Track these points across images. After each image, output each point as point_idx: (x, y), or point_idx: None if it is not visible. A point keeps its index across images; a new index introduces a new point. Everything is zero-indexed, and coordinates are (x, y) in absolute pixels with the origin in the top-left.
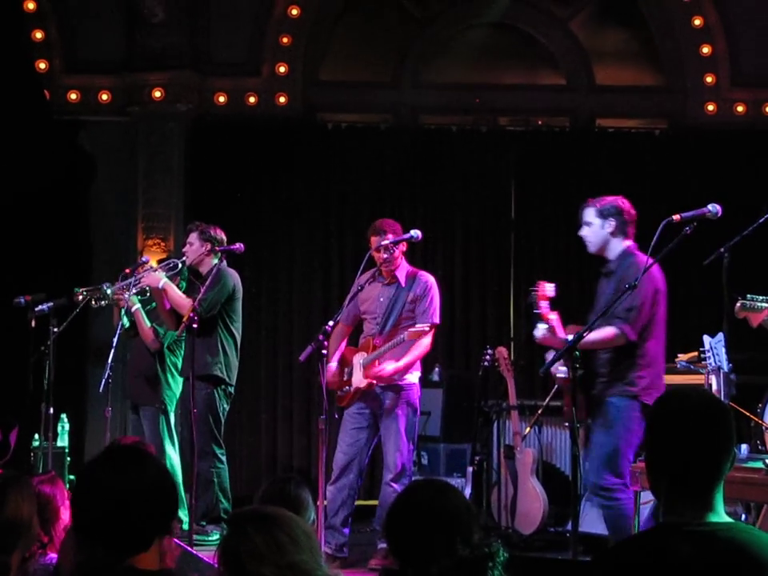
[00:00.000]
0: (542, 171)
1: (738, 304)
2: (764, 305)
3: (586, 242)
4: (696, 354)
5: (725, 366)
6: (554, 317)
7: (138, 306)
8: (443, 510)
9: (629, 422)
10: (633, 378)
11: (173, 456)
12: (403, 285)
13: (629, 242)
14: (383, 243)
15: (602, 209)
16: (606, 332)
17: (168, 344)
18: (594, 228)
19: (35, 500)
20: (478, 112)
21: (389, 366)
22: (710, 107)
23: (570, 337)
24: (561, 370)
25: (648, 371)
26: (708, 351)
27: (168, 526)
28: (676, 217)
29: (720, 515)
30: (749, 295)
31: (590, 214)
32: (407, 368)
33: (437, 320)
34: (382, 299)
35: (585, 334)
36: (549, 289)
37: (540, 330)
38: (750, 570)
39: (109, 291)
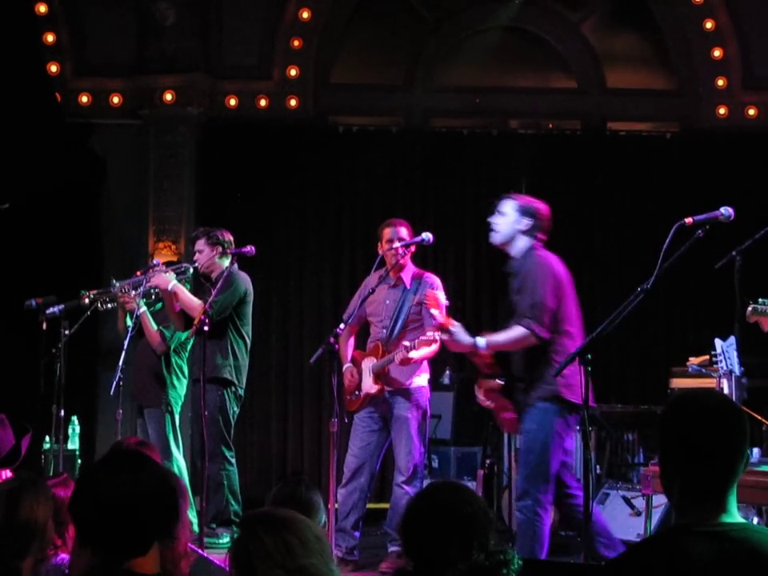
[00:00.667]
0: (553, 174)
1: (750, 308)
2: None
3: (494, 230)
4: (708, 357)
5: (736, 370)
6: (455, 323)
7: (144, 309)
8: (462, 513)
9: (554, 425)
10: (551, 377)
11: (178, 458)
12: (408, 287)
13: (535, 242)
14: (395, 246)
15: (523, 206)
16: (515, 332)
17: (174, 346)
18: (508, 219)
19: (51, 503)
20: (488, 115)
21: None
22: (722, 110)
23: (480, 339)
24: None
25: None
26: (720, 355)
27: (169, 531)
28: (688, 220)
29: (733, 516)
30: (761, 299)
31: (508, 205)
32: (425, 358)
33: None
34: (388, 302)
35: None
36: (440, 297)
37: (444, 336)
38: (763, 570)
39: (117, 285)
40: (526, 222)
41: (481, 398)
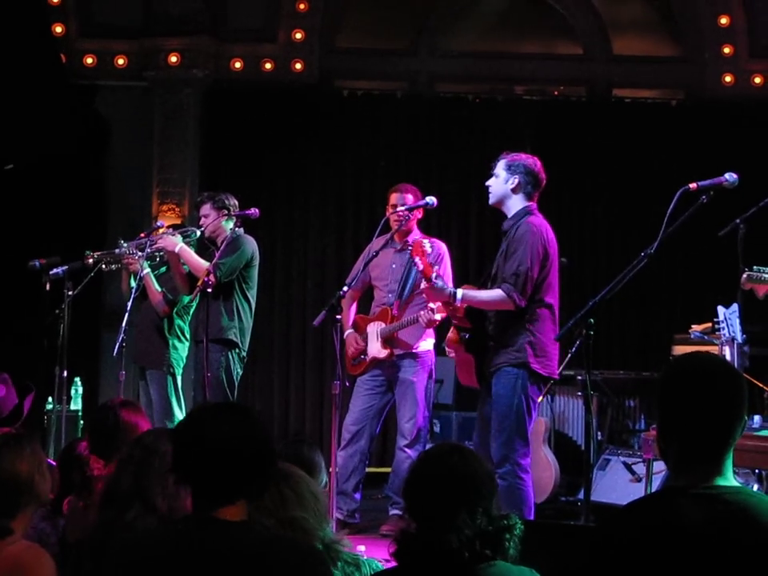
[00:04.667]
0: (559, 141)
1: (745, 275)
2: None
3: (489, 192)
4: (710, 324)
5: (739, 338)
6: (434, 272)
7: (148, 270)
8: (468, 475)
9: (524, 392)
10: (522, 345)
11: (181, 419)
12: None
13: (529, 203)
14: (399, 210)
15: (510, 163)
16: (493, 294)
17: (177, 309)
18: (499, 180)
19: (36, 458)
20: (494, 81)
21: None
22: (728, 78)
23: (458, 291)
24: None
25: (538, 338)
26: (722, 322)
27: (261, 489)
28: (693, 185)
29: (728, 479)
30: (755, 267)
31: (499, 165)
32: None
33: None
34: (394, 266)
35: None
36: (426, 246)
37: (422, 286)
38: (757, 532)
39: (125, 245)
40: (514, 180)
41: (447, 348)
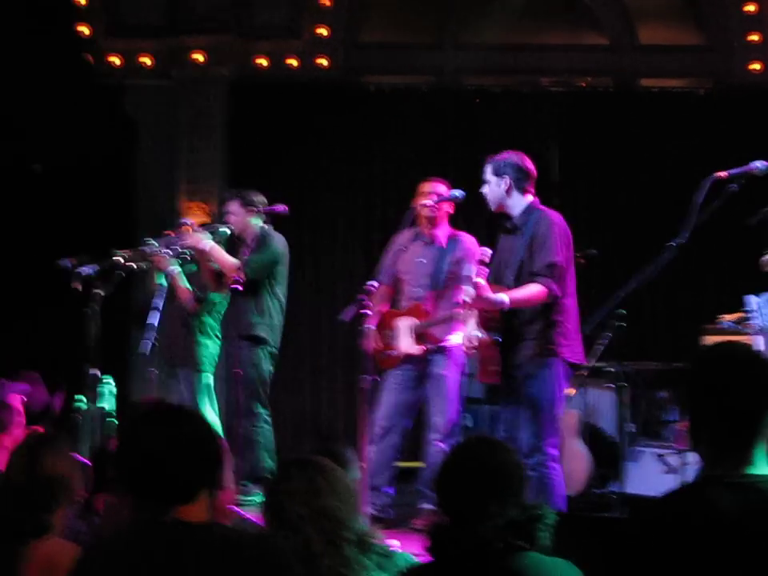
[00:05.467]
0: (586, 132)
1: (765, 257)
2: None
3: (487, 201)
4: (740, 314)
5: None
6: (482, 281)
7: (177, 268)
8: (499, 468)
9: (556, 381)
10: (551, 335)
11: (211, 418)
12: (444, 246)
13: (530, 198)
14: (426, 202)
15: (496, 165)
16: (533, 289)
17: (207, 307)
18: (491, 186)
19: (74, 458)
20: (520, 73)
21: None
22: (755, 66)
23: (504, 296)
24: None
25: (567, 327)
26: (754, 311)
27: (213, 479)
28: (723, 173)
29: (760, 468)
30: None
31: (487, 171)
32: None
33: None
34: (424, 260)
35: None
36: (487, 254)
37: (469, 293)
38: None
39: (154, 244)
40: (505, 181)
41: (467, 345)
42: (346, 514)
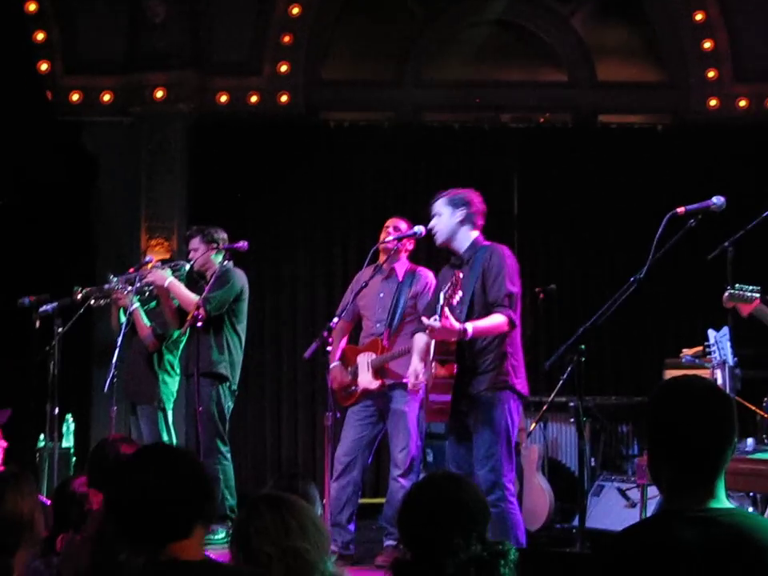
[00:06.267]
0: (545, 168)
1: (726, 294)
2: (754, 294)
3: (435, 232)
4: (701, 348)
5: (730, 361)
6: (447, 310)
7: (137, 305)
8: (462, 502)
9: (510, 415)
10: (505, 368)
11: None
12: (401, 279)
13: (476, 233)
14: (387, 239)
15: (452, 198)
16: (496, 320)
17: (166, 344)
18: (444, 218)
19: (35, 496)
20: (479, 109)
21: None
22: (713, 102)
23: (468, 325)
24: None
25: (516, 359)
26: (713, 345)
27: (205, 512)
28: (680, 209)
29: (722, 502)
30: (737, 285)
31: (440, 204)
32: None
33: None
34: (381, 295)
35: (588, 325)
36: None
37: (434, 323)
38: (751, 554)
39: (114, 280)
40: (461, 213)
41: (419, 381)
42: (315, 555)
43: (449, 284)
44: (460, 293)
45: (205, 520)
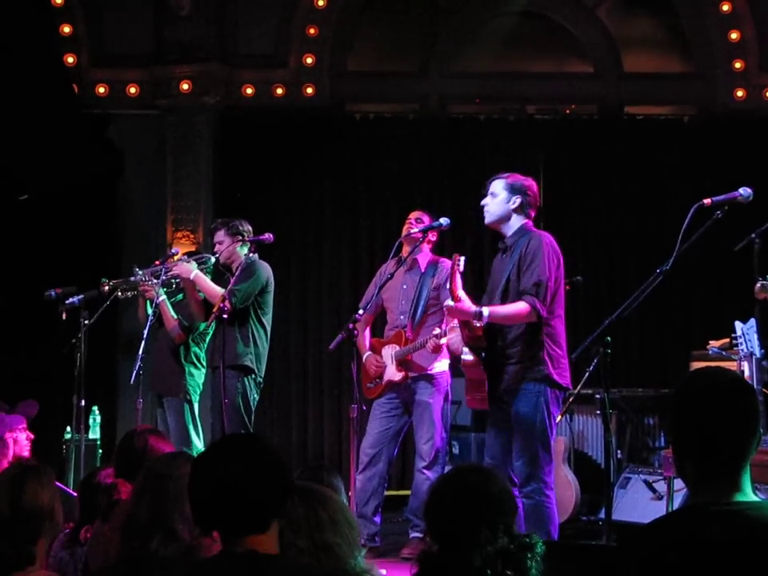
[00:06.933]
0: (571, 160)
1: (759, 284)
2: None
3: (486, 212)
4: (728, 340)
5: (757, 352)
6: (462, 293)
7: (164, 297)
8: (489, 494)
9: (546, 406)
10: (541, 358)
11: (199, 446)
12: (423, 271)
13: (527, 221)
14: (412, 231)
15: (512, 183)
16: (518, 306)
17: (193, 336)
18: (499, 200)
19: (55, 487)
20: (505, 101)
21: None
22: (739, 93)
23: (484, 309)
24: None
25: (556, 350)
26: (740, 337)
27: (284, 509)
28: (707, 201)
29: (747, 495)
30: None
31: (498, 185)
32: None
33: None
34: (405, 286)
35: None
36: (460, 264)
37: (448, 304)
38: None
39: (140, 273)
40: (516, 200)
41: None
42: (346, 549)
43: (449, 270)
44: (459, 280)
45: (281, 516)
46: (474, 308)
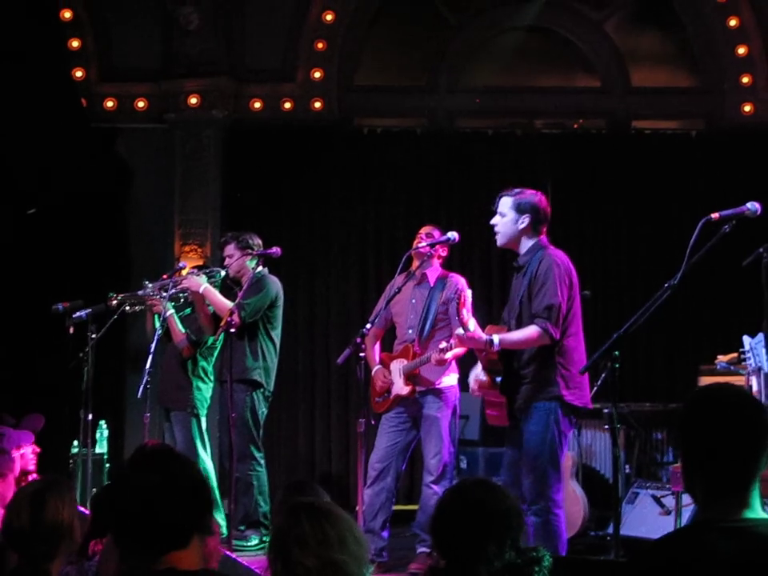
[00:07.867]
0: (579, 174)
1: None
2: None
3: (497, 233)
4: (736, 355)
5: (765, 367)
6: (472, 322)
7: (172, 311)
8: (496, 509)
9: (556, 425)
10: (554, 378)
11: (206, 460)
12: (432, 285)
13: (540, 237)
14: (420, 245)
15: (519, 202)
16: (529, 331)
17: (200, 350)
18: (507, 220)
19: (75, 504)
20: (513, 115)
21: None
22: (747, 107)
23: (495, 337)
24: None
25: (569, 370)
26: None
27: (204, 524)
28: (714, 215)
29: (756, 512)
30: None
31: (506, 204)
32: (457, 356)
33: None
34: (414, 301)
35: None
36: (469, 297)
37: (459, 332)
38: None
39: (150, 286)
40: (525, 220)
41: (473, 387)
42: (354, 568)
43: (456, 298)
44: (466, 312)
45: (202, 531)
46: (484, 337)
